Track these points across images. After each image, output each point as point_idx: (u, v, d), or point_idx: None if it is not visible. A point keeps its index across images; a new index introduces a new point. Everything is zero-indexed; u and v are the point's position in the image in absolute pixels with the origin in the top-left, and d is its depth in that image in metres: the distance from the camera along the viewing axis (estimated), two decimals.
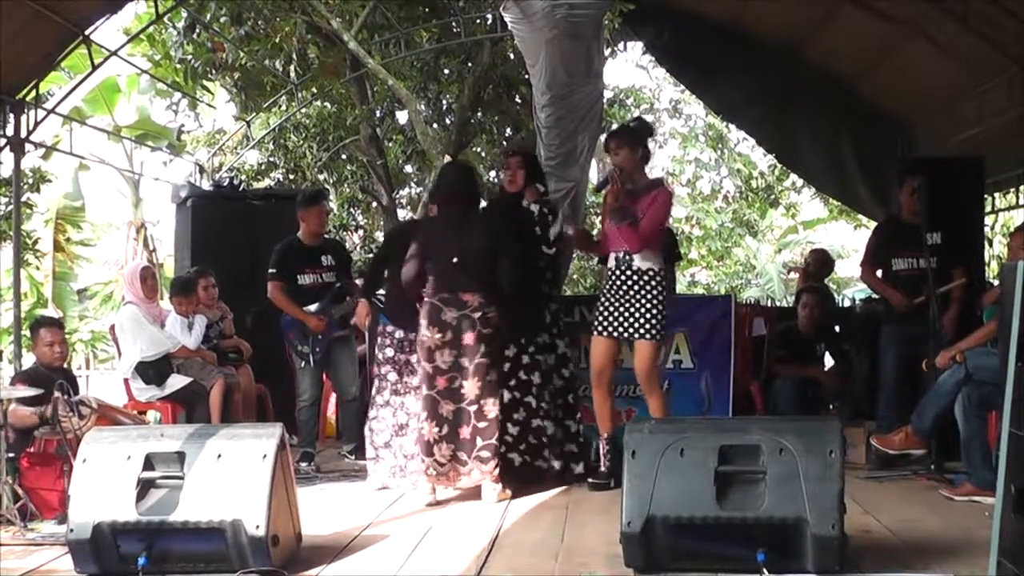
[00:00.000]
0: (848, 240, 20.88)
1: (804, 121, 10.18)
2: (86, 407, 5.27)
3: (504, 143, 12.12)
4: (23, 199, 9.57)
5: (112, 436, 4.24)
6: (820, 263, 8.43)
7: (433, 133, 11.01)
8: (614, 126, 14.69)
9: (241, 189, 9.29)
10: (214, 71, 10.99)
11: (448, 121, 12.26)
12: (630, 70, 42.89)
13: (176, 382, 6.59)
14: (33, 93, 7.69)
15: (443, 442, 5.37)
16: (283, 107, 12.12)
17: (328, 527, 4.82)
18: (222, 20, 10.17)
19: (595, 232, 8.07)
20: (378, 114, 12.41)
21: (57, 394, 5.11)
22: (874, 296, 7.02)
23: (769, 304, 18.79)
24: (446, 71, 12.09)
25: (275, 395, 7.49)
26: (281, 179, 12.27)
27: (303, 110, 11.94)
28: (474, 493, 5.51)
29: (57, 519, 4.85)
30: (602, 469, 5.65)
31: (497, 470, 5.41)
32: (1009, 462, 3.48)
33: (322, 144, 12.07)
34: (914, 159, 8.53)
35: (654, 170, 20.80)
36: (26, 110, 7.60)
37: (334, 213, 12.41)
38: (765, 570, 3.66)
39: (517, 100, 11.63)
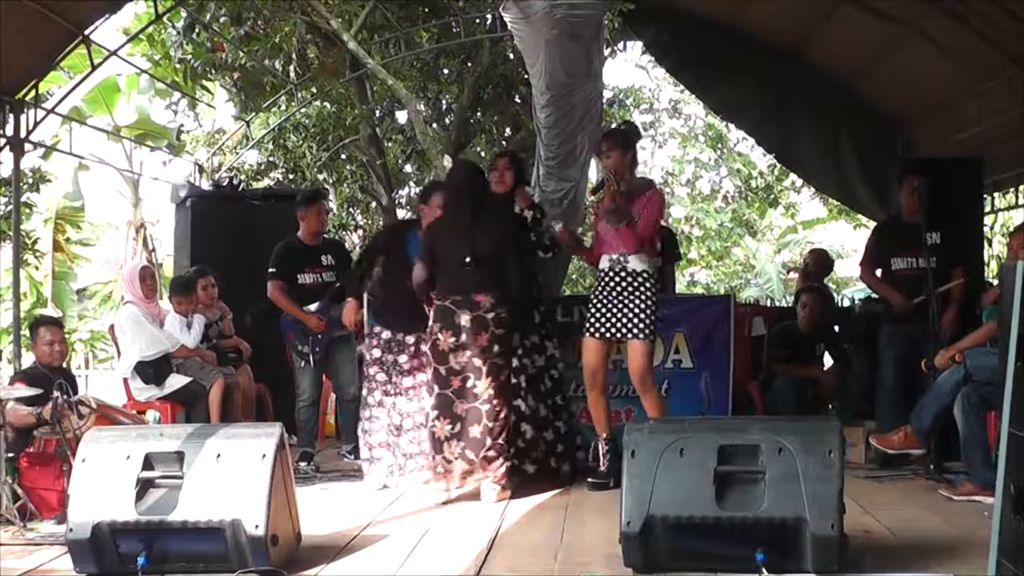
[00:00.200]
0: (848, 240, 20.90)
1: (804, 121, 10.17)
2: (85, 407, 5.27)
3: (504, 143, 12.13)
4: (23, 199, 9.57)
5: (111, 436, 4.24)
6: (819, 263, 8.42)
7: (433, 133, 11.01)
8: (613, 126, 14.74)
9: (241, 189, 9.29)
10: (214, 71, 11.00)
11: (448, 121, 12.26)
12: (630, 70, 42.95)
13: (175, 382, 6.59)
14: (33, 93, 7.69)
15: (454, 440, 5.38)
16: (283, 107, 12.12)
17: (327, 527, 4.82)
18: (222, 20, 10.18)
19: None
20: (378, 114, 12.41)
21: (56, 394, 5.10)
22: (873, 296, 7.01)
23: (768, 304, 18.85)
24: (446, 71, 12.10)
25: (275, 395, 7.50)
26: (281, 179, 12.26)
27: (303, 110, 11.94)
28: (473, 493, 5.50)
29: (56, 519, 4.84)
30: (601, 469, 5.65)
31: (503, 471, 5.41)
32: (1008, 462, 3.47)
33: (322, 144, 12.07)
34: (914, 159, 8.53)
35: (653, 170, 20.91)
36: (26, 110, 7.60)
37: (334, 213, 12.41)
38: (764, 570, 3.66)
39: (517, 100, 11.64)
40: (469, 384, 5.38)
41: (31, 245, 12.32)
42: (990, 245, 10.40)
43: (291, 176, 12.15)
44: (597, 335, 5.55)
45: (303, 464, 6.38)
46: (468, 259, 5.37)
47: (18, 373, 6.21)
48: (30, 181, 10.70)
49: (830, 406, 7.31)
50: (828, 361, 7.68)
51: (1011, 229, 7.17)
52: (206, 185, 10.02)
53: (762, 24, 9.61)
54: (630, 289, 5.47)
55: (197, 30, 10.42)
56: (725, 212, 21.81)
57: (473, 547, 4.40)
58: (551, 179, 7.65)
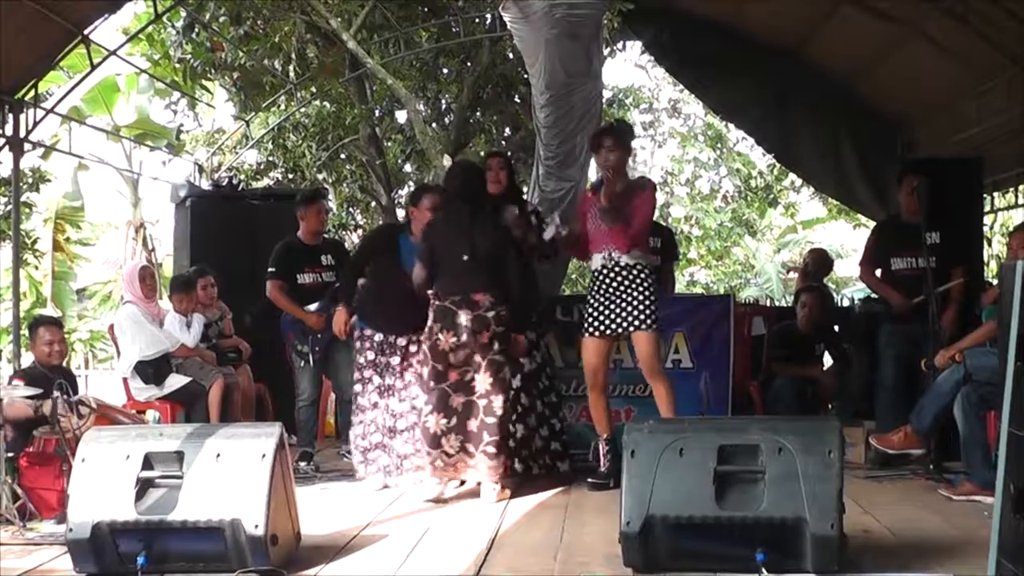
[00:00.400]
0: (847, 240, 20.91)
1: (804, 121, 10.18)
2: (85, 407, 5.27)
3: (503, 143, 12.13)
4: (22, 199, 9.57)
5: (111, 436, 4.24)
6: (819, 263, 8.43)
7: (432, 133, 11.01)
8: (613, 123, 14.72)
9: (240, 189, 9.29)
10: (213, 71, 11.00)
11: (447, 121, 12.26)
12: (629, 70, 42.94)
13: (175, 382, 6.59)
14: (32, 93, 7.69)
15: (451, 433, 5.37)
16: (282, 107, 12.12)
17: (327, 527, 4.82)
18: (221, 20, 10.18)
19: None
20: (377, 114, 12.41)
21: (56, 393, 5.10)
22: (873, 296, 7.01)
23: (768, 304, 18.86)
24: (445, 71, 12.10)
25: (274, 395, 7.50)
26: (280, 179, 12.26)
27: (302, 110, 11.94)
28: (473, 493, 5.51)
29: (56, 519, 4.84)
30: (601, 469, 5.65)
31: (502, 468, 5.41)
32: (1008, 462, 3.47)
33: (321, 144, 12.07)
34: (914, 159, 8.53)
35: (653, 170, 20.92)
36: (25, 110, 7.60)
37: (333, 212, 12.41)
38: (764, 570, 3.66)
39: (516, 100, 11.64)
40: (467, 378, 5.39)
41: (31, 245, 12.33)
42: (990, 245, 10.40)
43: (291, 176, 12.15)
44: (597, 334, 5.55)
45: (303, 464, 6.37)
46: (466, 257, 5.38)
47: (17, 372, 6.22)
48: (30, 181, 10.70)
49: (830, 406, 7.31)
50: (828, 361, 7.68)
51: (1011, 229, 7.16)
52: (206, 185, 10.02)
53: (762, 24, 9.61)
54: (626, 284, 5.48)
55: (196, 30, 10.42)
56: (725, 212, 21.80)
57: (473, 547, 4.40)
58: (551, 179, 7.65)
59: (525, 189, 7.96)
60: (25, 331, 6.99)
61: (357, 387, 5.99)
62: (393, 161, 12.70)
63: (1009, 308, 3.51)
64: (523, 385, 5.77)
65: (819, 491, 3.71)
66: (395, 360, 5.91)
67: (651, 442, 3.92)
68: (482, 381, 5.38)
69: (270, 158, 12.44)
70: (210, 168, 11.27)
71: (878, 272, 6.60)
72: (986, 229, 9.31)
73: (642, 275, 5.50)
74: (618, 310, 5.49)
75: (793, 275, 19.91)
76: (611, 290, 5.51)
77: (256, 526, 3.87)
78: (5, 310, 13.75)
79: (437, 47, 11.28)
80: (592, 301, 5.59)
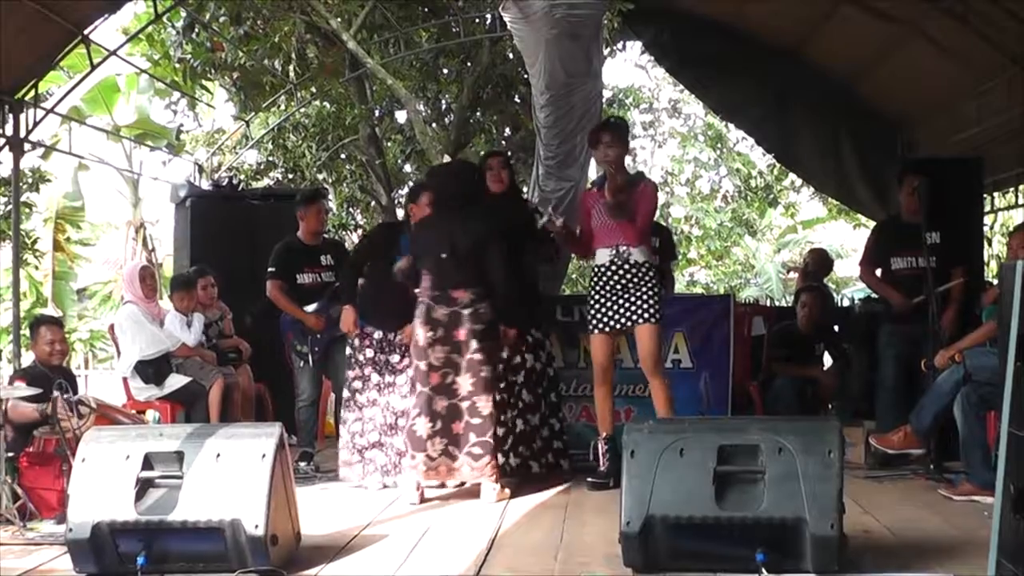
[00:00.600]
0: (847, 240, 20.89)
1: (804, 121, 10.18)
2: (85, 406, 5.27)
3: (503, 143, 12.13)
4: (22, 199, 9.56)
5: (111, 436, 4.24)
6: (819, 263, 8.43)
7: (432, 133, 11.01)
8: (611, 120, 14.71)
9: (240, 189, 9.29)
10: (213, 71, 10.99)
11: (447, 121, 12.26)
12: (629, 70, 42.89)
13: (175, 381, 6.59)
14: (32, 93, 7.69)
15: (436, 437, 5.39)
16: (282, 107, 12.12)
17: (327, 527, 4.82)
18: (221, 20, 10.17)
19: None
20: (377, 114, 12.41)
21: (56, 393, 5.10)
22: (873, 296, 7.01)
23: (768, 303, 18.85)
24: (445, 71, 12.09)
25: (274, 395, 7.50)
26: (280, 179, 12.26)
27: (302, 110, 11.94)
28: (473, 493, 5.51)
29: (56, 519, 4.84)
30: (601, 469, 5.66)
31: (492, 468, 5.40)
32: (1008, 462, 3.47)
33: (321, 144, 12.07)
34: (914, 159, 8.53)
35: (653, 170, 20.92)
36: (25, 110, 7.59)
37: (333, 212, 12.41)
38: (764, 570, 3.66)
39: (516, 100, 11.64)
40: (448, 380, 5.40)
41: (31, 245, 12.32)
42: (990, 245, 10.40)
43: (291, 176, 12.15)
44: (607, 329, 5.56)
45: (303, 464, 6.38)
46: (444, 255, 5.41)
47: (18, 371, 6.21)
48: (30, 181, 10.69)
49: (830, 406, 7.31)
50: (828, 361, 7.68)
51: (1011, 229, 7.16)
52: (206, 185, 10.02)
53: (762, 24, 9.61)
54: (635, 280, 5.49)
55: (196, 30, 10.41)
56: (725, 212, 21.79)
57: (473, 547, 4.40)
58: (551, 179, 7.65)
59: (525, 189, 7.97)
60: (25, 331, 6.99)
61: (356, 384, 5.99)
62: (393, 161, 12.70)
63: (1009, 308, 3.51)
64: (526, 381, 5.78)
65: (819, 491, 3.71)
66: (395, 358, 5.93)
67: (651, 442, 3.92)
68: (464, 383, 5.39)
69: (270, 158, 12.44)
70: (210, 168, 11.27)
71: (878, 272, 6.60)
72: (986, 229, 9.31)
73: (649, 273, 5.53)
74: (625, 304, 5.50)
75: (793, 275, 19.91)
76: (618, 286, 5.51)
77: (256, 526, 3.87)
78: (5, 310, 13.75)
79: (437, 47, 11.28)
80: (597, 297, 5.58)
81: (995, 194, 10.23)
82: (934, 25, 8.00)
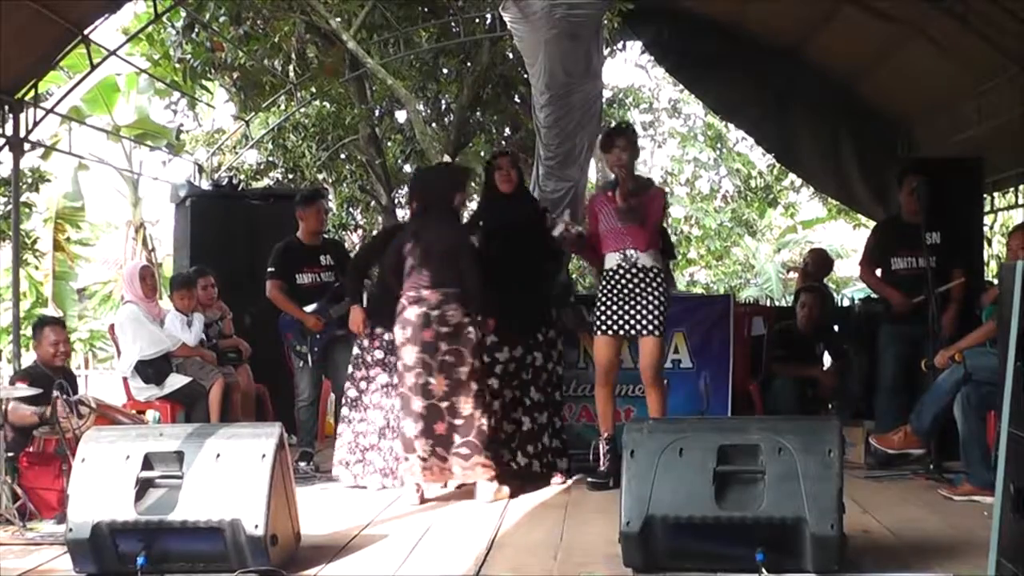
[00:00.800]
0: (847, 240, 20.87)
1: (804, 121, 10.18)
2: (85, 407, 5.27)
3: (503, 142, 12.12)
4: (22, 199, 9.56)
5: (111, 436, 4.24)
6: (819, 263, 8.43)
7: (432, 132, 11.01)
8: (622, 124, 14.71)
9: (240, 189, 9.28)
10: (213, 71, 10.98)
11: (447, 120, 12.25)
12: (629, 70, 42.90)
13: (175, 381, 6.59)
14: (32, 92, 7.68)
15: (422, 438, 5.41)
16: (282, 107, 12.12)
17: (327, 527, 4.82)
18: (221, 20, 10.16)
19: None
20: (377, 113, 12.40)
21: (56, 394, 5.10)
22: (873, 296, 7.01)
23: (768, 304, 18.83)
24: (445, 71, 12.08)
25: (274, 395, 7.49)
26: (280, 179, 12.25)
27: (302, 110, 11.93)
28: (473, 493, 5.51)
29: (56, 519, 4.84)
30: (601, 469, 5.66)
31: (484, 468, 5.41)
32: (1008, 462, 3.48)
33: (321, 144, 12.06)
34: (914, 159, 8.53)
35: (653, 170, 20.90)
36: (25, 110, 7.59)
37: (333, 212, 12.40)
38: (764, 570, 3.66)
39: (516, 100, 11.63)
40: (422, 381, 5.42)
41: (31, 245, 12.32)
42: (990, 245, 10.39)
43: (291, 176, 12.15)
44: (611, 332, 5.56)
45: (303, 464, 6.38)
46: (417, 257, 5.49)
47: (19, 372, 6.21)
48: (30, 181, 10.70)
49: (830, 406, 7.31)
50: (828, 361, 7.68)
51: (1011, 229, 7.16)
52: (206, 185, 10.01)
53: (762, 24, 9.61)
54: (642, 286, 5.50)
55: (196, 30, 10.40)
56: (724, 212, 21.77)
57: (473, 547, 4.40)
58: (551, 179, 7.64)
59: None
60: (25, 331, 6.99)
61: (363, 384, 5.98)
62: (393, 161, 12.69)
63: (1009, 308, 3.51)
64: (534, 379, 5.79)
65: (819, 491, 3.72)
66: None
67: (651, 442, 3.93)
68: (438, 384, 5.40)
69: (270, 158, 12.43)
70: (210, 168, 11.26)
71: (878, 272, 6.60)
72: (986, 229, 9.31)
73: (658, 279, 5.54)
74: (632, 311, 5.50)
75: (793, 275, 19.90)
76: (625, 291, 5.52)
77: (256, 526, 3.88)
78: (5, 310, 13.74)
79: (437, 47, 11.27)
80: (605, 299, 5.59)
81: (995, 194, 10.22)
82: (934, 25, 8.00)
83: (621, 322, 5.52)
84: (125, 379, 6.70)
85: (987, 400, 5.00)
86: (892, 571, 3.89)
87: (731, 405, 6.52)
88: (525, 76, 9.10)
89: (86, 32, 7.58)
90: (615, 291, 5.55)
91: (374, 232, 13.73)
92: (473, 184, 14.43)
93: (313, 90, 11.33)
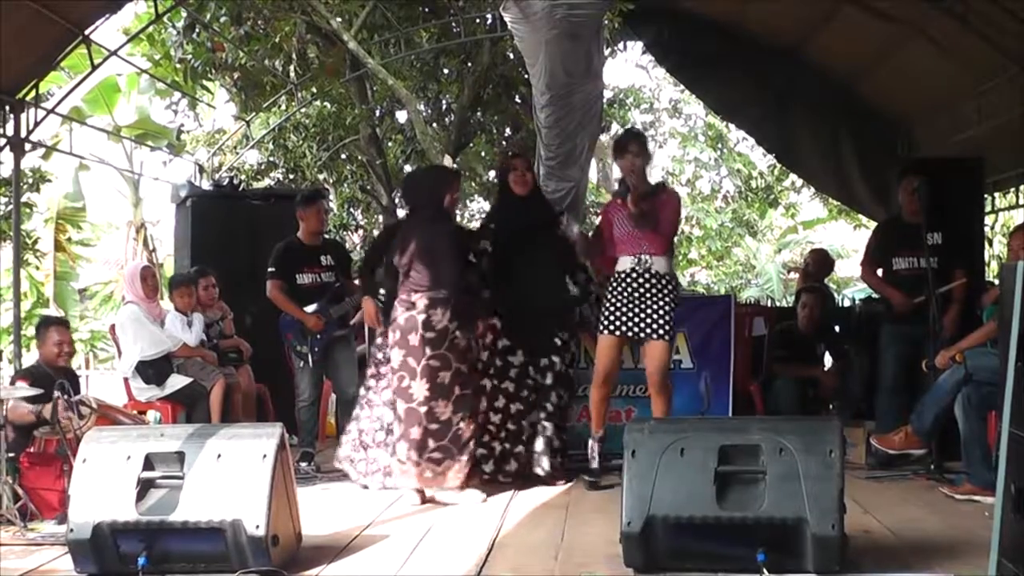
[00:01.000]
0: (848, 240, 20.86)
1: (804, 121, 10.18)
2: (86, 407, 5.27)
3: (504, 143, 12.12)
4: (23, 199, 9.56)
5: (112, 436, 4.24)
6: (820, 263, 8.43)
7: (433, 133, 11.00)
8: (614, 126, 14.72)
9: (241, 189, 9.28)
10: (214, 71, 10.98)
11: (448, 121, 12.25)
12: (630, 70, 42.86)
13: (176, 382, 6.59)
14: (33, 93, 7.68)
15: (402, 440, 5.43)
16: (283, 107, 12.12)
17: (328, 527, 4.82)
18: (222, 20, 10.16)
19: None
20: (378, 114, 12.40)
21: (57, 394, 5.11)
22: (874, 296, 7.01)
23: (769, 304, 18.83)
24: (446, 71, 12.08)
25: (275, 395, 7.50)
26: (281, 179, 12.26)
27: (303, 110, 11.94)
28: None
29: (57, 519, 4.85)
30: (594, 467, 5.67)
31: (456, 474, 5.41)
32: (1009, 462, 3.48)
33: (322, 144, 12.07)
34: (914, 159, 8.52)
35: (653, 170, 20.90)
36: (26, 110, 7.59)
37: (334, 213, 12.40)
38: (765, 570, 3.67)
39: (517, 100, 11.62)
40: (404, 384, 5.43)
41: (32, 245, 12.32)
42: (991, 245, 10.40)
43: (291, 176, 12.15)
44: (617, 332, 5.55)
45: (304, 464, 6.38)
46: (406, 259, 5.49)
47: (20, 372, 6.21)
48: (30, 181, 10.69)
49: (830, 406, 7.31)
50: (828, 361, 7.68)
51: (1011, 229, 7.16)
52: (206, 185, 10.01)
53: (762, 24, 9.61)
54: (654, 290, 5.50)
55: (197, 30, 10.40)
56: (725, 212, 21.77)
57: (474, 547, 4.40)
58: (551, 179, 7.64)
59: None
60: (25, 331, 6.99)
61: (370, 381, 5.96)
62: (393, 161, 12.69)
63: (1010, 308, 3.51)
64: (549, 382, 5.82)
65: (820, 491, 3.72)
66: None
67: (652, 442, 3.93)
68: (419, 388, 5.39)
69: (271, 158, 12.44)
70: (211, 168, 11.26)
71: (879, 272, 6.60)
72: (987, 229, 9.31)
73: (670, 285, 5.54)
74: (641, 314, 5.49)
75: (794, 275, 19.90)
76: (636, 294, 5.51)
77: (257, 526, 3.88)
78: (6, 310, 13.74)
79: (437, 47, 11.27)
80: (613, 299, 5.57)
81: (995, 194, 10.23)
82: (934, 25, 8.00)
83: (630, 323, 5.51)
84: (126, 379, 6.70)
85: (988, 400, 5.01)
86: (893, 571, 3.89)
87: (732, 405, 6.53)
88: (526, 76, 9.10)
89: (87, 32, 7.58)
90: (625, 293, 5.54)
91: (375, 232, 13.75)
92: (473, 184, 14.55)
93: (314, 90, 11.33)
